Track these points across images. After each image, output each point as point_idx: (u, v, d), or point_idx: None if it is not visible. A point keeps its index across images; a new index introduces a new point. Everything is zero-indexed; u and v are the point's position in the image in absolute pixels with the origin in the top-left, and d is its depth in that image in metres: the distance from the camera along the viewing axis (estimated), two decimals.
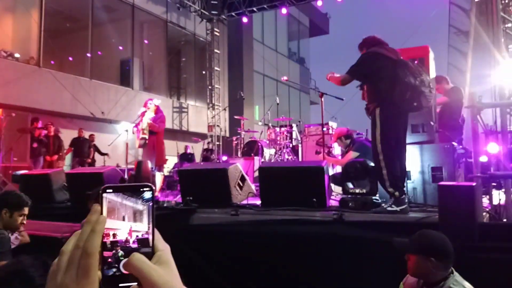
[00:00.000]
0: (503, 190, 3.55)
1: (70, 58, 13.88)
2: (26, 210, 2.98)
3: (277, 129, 9.47)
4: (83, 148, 10.78)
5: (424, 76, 4.10)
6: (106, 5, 14.35)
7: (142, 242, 0.56)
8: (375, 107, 4.12)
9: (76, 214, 4.38)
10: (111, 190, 0.57)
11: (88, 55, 13.76)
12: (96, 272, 0.53)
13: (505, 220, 3.37)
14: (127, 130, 7.20)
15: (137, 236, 0.56)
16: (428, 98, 4.07)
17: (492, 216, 3.47)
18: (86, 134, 11.20)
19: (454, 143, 4.77)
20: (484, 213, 3.46)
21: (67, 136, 10.88)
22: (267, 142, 9.48)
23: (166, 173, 9.77)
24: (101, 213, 0.56)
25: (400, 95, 4.01)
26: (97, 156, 11.44)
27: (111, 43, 14.95)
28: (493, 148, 4.28)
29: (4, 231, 2.86)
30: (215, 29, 16.24)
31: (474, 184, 2.96)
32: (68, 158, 11.05)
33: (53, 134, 9.78)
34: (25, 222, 2.98)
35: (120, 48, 15.33)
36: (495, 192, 3.84)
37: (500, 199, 3.56)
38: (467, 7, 13.82)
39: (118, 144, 10.53)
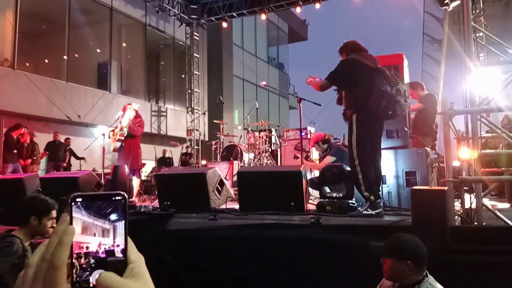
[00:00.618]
0: (474, 194, 3.66)
1: (46, 60, 13.62)
2: (54, 213, 2.89)
3: (256, 133, 9.51)
4: (58, 152, 10.57)
5: (401, 85, 4.21)
6: (84, 7, 14.14)
7: (111, 253, 0.55)
8: (352, 113, 4.22)
9: None
10: (80, 199, 0.55)
11: (65, 57, 13.52)
12: (64, 286, 0.50)
13: (476, 223, 3.47)
14: (103, 134, 7.10)
15: (105, 248, 0.54)
16: (403, 107, 4.18)
17: (464, 219, 3.56)
18: (61, 138, 10.98)
19: (427, 148, 4.90)
20: (456, 217, 3.56)
21: (42, 140, 10.65)
22: (246, 146, 9.51)
23: (144, 178, 9.67)
24: (70, 223, 0.53)
25: (376, 102, 4.09)
26: (73, 160, 11.24)
27: (89, 45, 14.73)
28: (465, 153, 4.41)
29: (15, 239, 2.75)
30: (195, 33, 16.22)
31: (446, 188, 3.05)
32: (43, 163, 10.81)
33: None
34: (54, 225, 2.88)
35: (98, 50, 15.13)
36: (466, 196, 3.96)
37: (471, 203, 3.66)
38: (441, 16, 14.22)
39: (95, 148, 10.36)
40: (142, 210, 4.89)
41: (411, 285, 2.29)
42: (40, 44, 13.56)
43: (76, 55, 14.10)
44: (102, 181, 5.70)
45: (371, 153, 4.17)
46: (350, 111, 4.25)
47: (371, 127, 4.19)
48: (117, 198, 0.56)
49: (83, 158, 11.10)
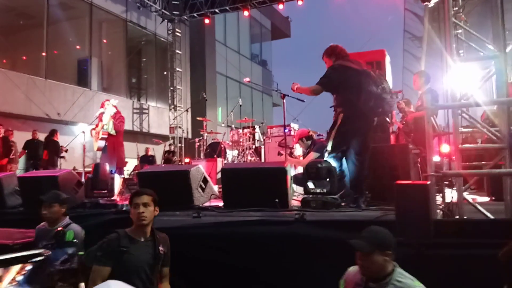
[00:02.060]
0: (455, 188, 3.71)
1: (24, 57, 13.30)
2: None
3: (240, 130, 9.47)
4: (37, 151, 10.34)
5: (385, 83, 4.49)
6: (63, 2, 13.86)
7: None
8: (341, 112, 4.51)
9: (29, 219, 4.18)
10: None
11: (43, 54, 13.22)
12: None
13: (457, 217, 3.51)
14: (84, 132, 6.97)
15: None
16: (390, 103, 4.50)
17: (446, 213, 3.61)
18: (41, 136, 10.75)
19: (411, 145, 4.96)
20: (438, 211, 3.60)
21: (21, 138, 10.40)
22: (230, 143, 9.47)
23: (126, 176, 9.54)
24: None
25: (365, 103, 4.38)
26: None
27: (68, 42, 14.44)
28: (445, 148, 4.47)
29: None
30: (177, 30, 16.05)
31: (428, 182, 3.07)
32: (21, 161, 10.56)
33: (2, 135, 9.31)
34: None
35: (78, 47, 14.84)
36: (447, 190, 4.01)
37: (452, 197, 3.71)
38: (421, 14, 14.40)
39: (75, 146, 10.18)
40: (124, 208, 4.81)
41: (384, 277, 2.28)
42: (17, 40, 13.23)
43: (55, 52, 13.81)
44: (83, 180, 5.58)
45: (348, 152, 4.45)
46: (340, 109, 4.54)
47: (352, 131, 4.46)
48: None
49: (63, 157, 10.88)
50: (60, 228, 2.99)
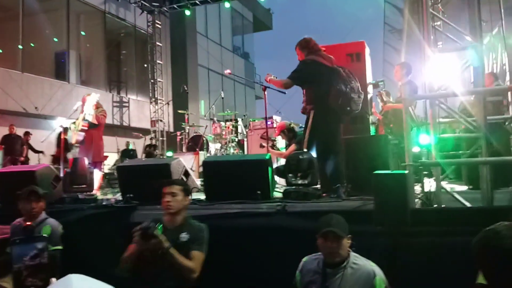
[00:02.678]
0: (434, 178, 3.78)
1: None
2: None
3: (223, 123, 9.43)
4: (14, 146, 10.12)
5: (354, 83, 4.61)
6: None
7: None
8: (311, 109, 4.61)
9: (6, 215, 4.09)
10: None
11: (20, 46, 12.87)
12: None
13: (435, 205, 3.58)
14: (61, 126, 6.82)
15: None
16: (357, 103, 4.60)
17: (424, 202, 3.67)
18: (18, 131, 10.50)
19: (390, 136, 5.02)
20: (416, 200, 3.66)
21: None
22: (213, 136, 9.42)
23: (107, 171, 9.41)
24: None
25: (334, 100, 4.50)
26: (31, 154, 10.79)
27: (45, 34, 14.09)
28: (424, 139, 4.54)
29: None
30: (157, 21, 15.81)
31: (406, 172, 3.11)
32: None
33: None
34: None
35: (55, 39, 14.49)
36: (426, 180, 4.08)
37: (430, 186, 3.78)
38: (401, 6, 14.53)
39: (54, 141, 9.97)
40: (104, 203, 4.74)
41: (342, 261, 2.33)
42: None
43: (32, 44, 13.45)
44: (61, 175, 5.47)
45: (322, 148, 4.57)
46: (310, 107, 4.64)
47: (326, 125, 4.57)
48: None
49: (41, 152, 10.68)
50: (29, 223, 2.94)
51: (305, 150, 4.58)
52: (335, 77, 4.57)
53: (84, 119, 6.27)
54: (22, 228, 3.36)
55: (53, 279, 1.01)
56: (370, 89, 5.70)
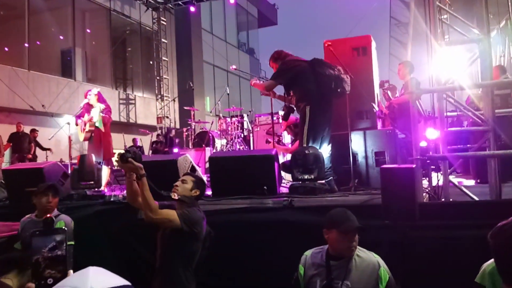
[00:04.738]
0: (441, 172, 3.76)
1: (6, 48, 13.00)
2: None
3: (228, 119, 9.43)
4: (22, 144, 10.19)
5: (338, 67, 4.72)
6: None
7: None
8: (306, 105, 4.64)
9: (15, 213, 4.13)
10: None
11: (26, 45, 12.94)
12: None
13: (443, 199, 3.56)
14: (69, 123, 6.85)
15: None
16: (348, 83, 4.68)
17: (432, 196, 3.66)
18: (26, 129, 10.58)
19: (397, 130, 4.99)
20: (424, 194, 3.65)
21: (5, 131, 10.23)
22: (218, 132, 9.42)
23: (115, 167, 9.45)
24: None
25: (327, 87, 4.58)
26: (39, 151, 10.86)
27: (51, 32, 14.15)
28: (431, 133, 4.51)
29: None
30: (162, 18, 15.82)
31: (414, 166, 3.10)
32: (7, 155, 10.40)
33: None
34: None
35: (61, 37, 14.55)
36: (433, 174, 4.06)
37: (438, 180, 3.76)
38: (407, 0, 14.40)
39: (61, 138, 10.05)
40: (112, 200, 4.77)
41: None
42: None
43: (38, 42, 13.52)
44: (69, 171, 5.51)
45: (320, 141, 4.62)
46: (304, 103, 4.67)
47: (322, 117, 4.63)
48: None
49: (49, 149, 10.74)
50: (48, 215, 2.98)
51: (304, 145, 4.60)
52: (318, 66, 4.67)
53: (91, 121, 6.27)
54: (35, 224, 3.41)
55: (71, 271, 1.03)
56: (376, 84, 5.67)
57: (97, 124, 6.28)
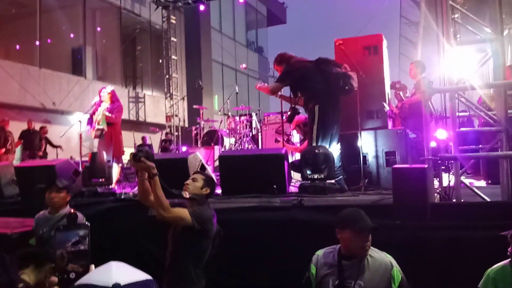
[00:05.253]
0: (452, 172, 3.73)
1: (17, 46, 13.15)
2: None
3: (237, 118, 9.43)
4: (33, 141, 10.28)
5: (344, 64, 4.70)
6: None
7: None
8: (314, 104, 4.62)
9: (27, 209, 4.18)
10: None
11: (37, 43, 13.06)
12: None
13: (454, 200, 3.54)
14: (80, 121, 6.91)
15: None
16: (355, 80, 4.65)
17: (442, 196, 3.64)
18: (36, 126, 10.68)
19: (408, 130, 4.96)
20: (435, 194, 3.63)
21: (17, 128, 10.33)
22: (227, 131, 9.43)
23: (125, 165, 9.51)
24: None
25: (335, 85, 4.56)
26: (49, 149, 10.96)
27: (62, 30, 14.26)
28: (442, 134, 4.49)
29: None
30: (171, 17, 15.85)
31: (426, 166, 3.08)
32: (18, 152, 10.52)
33: None
34: None
35: (71, 35, 14.66)
36: (444, 175, 4.03)
37: (450, 181, 3.73)
38: None
39: (72, 136, 10.13)
40: (122, 197, 4.81)
41: None
42: (10, 29, 13.06)
43: (49, 40, 13.64)
44: (80, 169, 5.56)
45: (330, 140, 4.62)
46: (312, 103, 4.65)
47: (331, 116, 4.62)
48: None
49: (59, 147, 10.84)
50: (72, 211, 3.02)
51: (313, 145, 4.58)
52: (325, 65, 4.65)
53: (98, 124, 6.31)
54: (49, 220, 3.45)
55: (92, 266, 1.05)
56: (387, 84, 5.64)
57: (101, 124, 6.32)
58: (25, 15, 13.56)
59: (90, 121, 6.50)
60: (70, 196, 3.65)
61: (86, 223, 1.24)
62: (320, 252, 2.45)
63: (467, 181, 4.36)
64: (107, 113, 6.32)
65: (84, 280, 0.79)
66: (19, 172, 5.35)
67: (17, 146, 10.23)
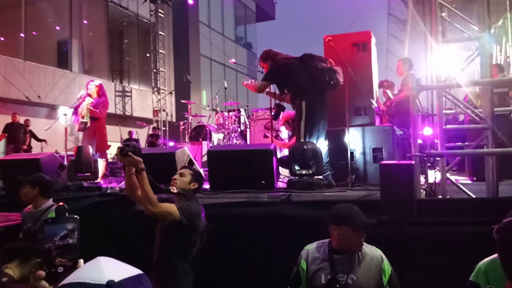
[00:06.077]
0: (438, 169, 3.77)
1: (2, 38, 12.89)
2: None
3: (225, 113, 9.39)
4: (17, 134, 10.12)
5: (329, 59, 4.72)
6: None
7: None
8: (301, 100, 4.62)
9: (11, 203, 4.12)
10: None
11: (22, 35, 12.82)
12: None
13: (440, 196, 3.59)
14: (65, 114, 6.81)
15: None
16: (341, 74, 4.65)
17: (428, 192, 3.68)
18: (21, 119, 10.50)
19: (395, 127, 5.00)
20: (421, 190, 3.67)
21: (0, 121, 10.15)
22: (215, 126, 9.40)
23: (110, 160, 9.42)
24: None
25: (321, 80, 4.57)
26: (34, 143, 10.80)
27: (47, 22, 14.02)
28: (428, 131, 4.54)
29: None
30: (159, 10, 15.71)
31: (413, 162, 3.11)
32: (1, 145, 10.34)
33: None
34: None
35: (57, 28, 14.42)
36: (430, 172, 4.08)
37: (435, 177, 3.78)
38: None
39: (57, 129, 9.97)
40: (108, 191, 4.76)
41: None
42: None
43: (34, 33, 13.39)
44: (65, 163, 5.48)
45: (317, 135, 4.62)
46: (299, 99, 4.64)
47: (319, 112, 4.62)
48: None
49: (44, 140, 10.68)
50: (61, 203, 2.97)
51: (301, 140, 4.58)
52: (310, 61, 4.66)
53: (82, 118, 6.22)
54: (33, 215, 3.39)
55: (81, 261, 1.03)
56: (375, 81, 5.68)
57: (85, 118, 6.24)
58: (9, 7, 13.29)
59: (75, 113, 6.41)
60: (36, 189, 3.46)
61: (75, 216, 1.21)
62: (309, 247, 2.45)
63: (452, 177, 4.43)
64: (91, 108, 6.24)
65: (75, 278, 0.77)
66: (3, 165, 5.27)
67: (1, 140, 10.05)
